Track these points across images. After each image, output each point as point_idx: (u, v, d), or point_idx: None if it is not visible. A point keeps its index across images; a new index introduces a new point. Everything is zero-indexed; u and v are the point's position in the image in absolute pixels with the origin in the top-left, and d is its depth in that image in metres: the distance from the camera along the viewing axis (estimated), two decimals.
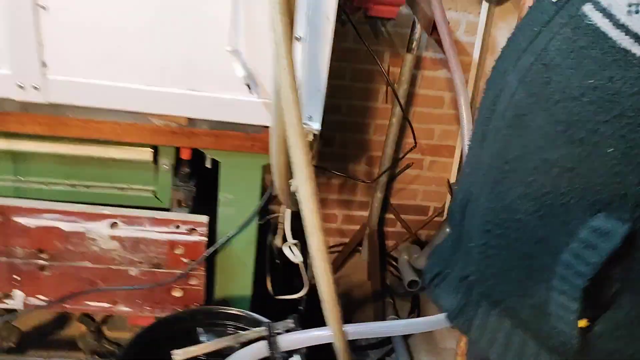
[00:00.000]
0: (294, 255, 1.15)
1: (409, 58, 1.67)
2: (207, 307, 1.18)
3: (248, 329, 1.10)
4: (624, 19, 0.49)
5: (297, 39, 0.91)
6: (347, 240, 2.15)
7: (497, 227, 0.62)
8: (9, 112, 1.03)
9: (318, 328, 1.06)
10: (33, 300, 1.22)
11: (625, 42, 0.49)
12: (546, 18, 0.57)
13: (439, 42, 1.76)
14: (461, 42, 1.90)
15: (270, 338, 1.03)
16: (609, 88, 0.49)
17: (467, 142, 1.48)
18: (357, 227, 2.14)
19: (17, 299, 1.21)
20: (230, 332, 1.12)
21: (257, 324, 1.11)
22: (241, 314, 1.14)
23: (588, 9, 0.51)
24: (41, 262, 1.17)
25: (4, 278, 1.18)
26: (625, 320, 0.56)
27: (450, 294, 0.76)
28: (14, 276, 1.18)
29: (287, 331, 1.07)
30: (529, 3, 1.42)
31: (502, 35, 1.85)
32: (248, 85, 0.96)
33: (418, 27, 1.59)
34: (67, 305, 1.23)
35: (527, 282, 0.60)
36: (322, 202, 2.05)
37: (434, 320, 1.10)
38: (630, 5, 0.48)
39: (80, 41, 0.93)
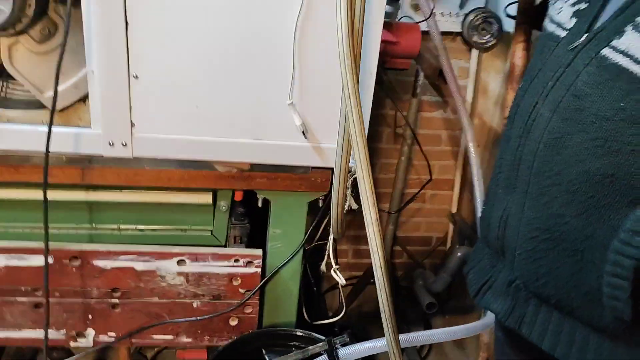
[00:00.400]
0: (340, 278, 1.30)
1: (414, 102, 1.87)
2: (270, 329, 1.31)
3: (306, 347, 1.24)
4: None
5: None
6: (359, 273, 2.31)
7: (544, 233, 0.80)
8: (93, 166, 1.18)
9: (370, 340, 1.21)
10: (103, 337, 1.33)
11: None
12: (566, 61, 0.78)
13: (437, 88, 1.99)
14: None
15: (332, 351, 1.17)
16: (636, 108, 0.69)
17: (476, 170, 1.68)
18: (367, 260, 2.29)
19: (88, 337, 1.33)
20: (292, 351, 1.25)
21: (314, 341, 1.25)
22: (302, 333, 1.28)
23: (608, 52, 0.72)
24: (113, 300, 1.30)
25: (80, 318, 1.30)
26: None
27: (498, 299, 0.92)
28: (88, 315, 1.30)
29: (344, 345, 1.22)
30: (519, 51, 1.65)
31: (490, 77, 2.08)
32: (303, 133, 1.13)
33: (421, 74, 1.80)
34: (134, 340, 1.35)
35: (578, 274, 0.77)
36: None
37: (472, 327, 1.26)
38: None
39: (164, 103, 1.09)
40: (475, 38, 1.94)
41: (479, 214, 1.69)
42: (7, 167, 1.17)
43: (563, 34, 0.82)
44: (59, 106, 1.15)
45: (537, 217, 0.81)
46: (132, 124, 1.10)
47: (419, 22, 1.49)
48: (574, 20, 0.82)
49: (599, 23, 0.78)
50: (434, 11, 1.48)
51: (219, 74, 1.09)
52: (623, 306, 0.71)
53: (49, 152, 1.08)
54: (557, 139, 0.76)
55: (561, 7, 0.87)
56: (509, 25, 1.90)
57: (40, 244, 1.17)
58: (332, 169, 1.16)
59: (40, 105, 1.18)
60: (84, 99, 1.16)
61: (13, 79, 1.18)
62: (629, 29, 0.71)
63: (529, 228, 0.82)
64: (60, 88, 1.14)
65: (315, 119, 1.15)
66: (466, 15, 1.92)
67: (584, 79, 0.75)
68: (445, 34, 1.89)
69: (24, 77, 1.13)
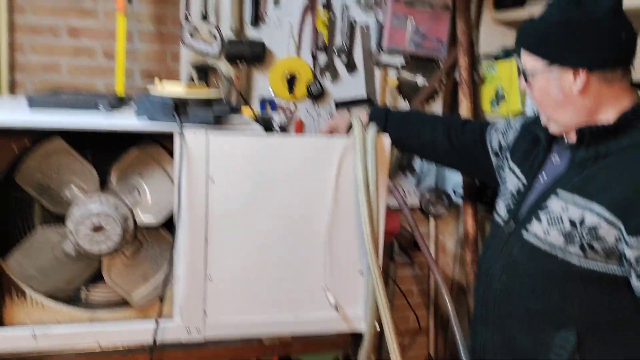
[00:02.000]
0: None
1: (392, 266, 2.29)
2: None
3: None
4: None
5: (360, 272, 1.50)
6: None
7: (507, 352, 1.35)
8: (167, 351, 1.47)
9: None
10: None
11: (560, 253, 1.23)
12: (505, 240, 1.34)
13: (407, 252, 2.43)
14: None
15: None
16: (552, 269, 1.24)
17: (453, 317, 2.05)
18: None
19: None
20: None
21: None
22: None
23: (526, 234, 1.28)
24: None
25: None
26: None
27: None
28: None
29: None
30: (469, 221, 2.13)
31: (446, 239, 2.56)
32: (336, 307, 1.49)
33: (396, 245, 2.24)
34: None
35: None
36: None
37: None
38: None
39: (229, 294, 1.44)
40: (431, 209, 2.44)
41: (461, 351, 2.04)
42: None
43: (501, 222, 1.38)
44: (141, 304, 1.46)
45: (502, 340, 1.31)
46: (205, 314, 1.43)
47: (395, 209, 1.96)
48: (507, 214, 1.37)
49: (520, 214, 1.32)
50: (406, 200, 1.95)
51: (270, 270, 1.46)
52: None
53: (155, 344, 1.37)
54: (506, 289, 1.30)
55: (500, 206, 1.42)
56: (456, 197, 2.42)
57: None
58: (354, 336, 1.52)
59: (122, 304, 1.49)
60: (160, 297, 1.48)
61: (94, 286, 1.49)
62: (533, 218, 1.25)
63: (497, 348, 1.32)
64: (144, 291, 1.47)
65: (343, 293, 1.52)
66: (422, 193, 2.44)
67: (516, 253, 1.30)
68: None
69: (118, 285, 1.45)
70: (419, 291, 2.63)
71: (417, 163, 2.40)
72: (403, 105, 2.32)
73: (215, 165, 1.37)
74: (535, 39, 1.21)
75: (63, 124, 1.29)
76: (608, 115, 1.20)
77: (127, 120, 1.36)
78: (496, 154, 1.53)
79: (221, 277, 1.43)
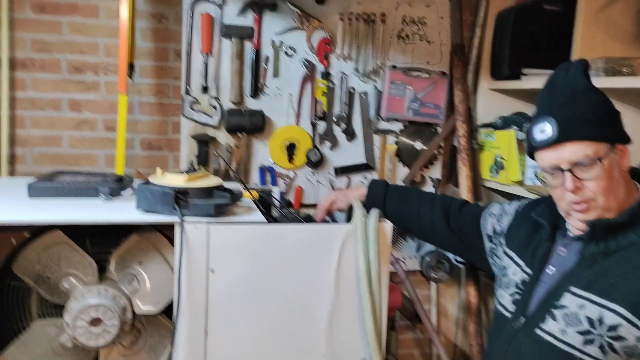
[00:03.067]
0: None
1: (393, 334, 2.26)
2: None
3: None
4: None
5: None
6: None
7: None
8: None
9: None
10: None
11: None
12: (513, 335, 1.29)
13: (410, 319, 2.40)
14: None
15: None
16: None
17: None
18: None
19: None
20: None
21: None
22: None
23: (540, 332, 1.23)
24: None
25: None
26: None
27: None
28: None
29: None
30: (472, 291, 2.10)
31: (447, 302, 2.53)
32: None
33: (398, 315, 2.22)
34: None
35: None
36: None
37: None
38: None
39: (231, 349, 1.40)
40: (432, 275, 2.41)
41: None
42: None
43: (508, 315, 1.33)
44: None
45: None
46: None
47: (396, 282, 1.94)
48: (514, 307, 1.32)
49: (529, 309, 1.27)
50: (407, 275, 1.93)
51: (269, 343, 1.43)
52: None
53: None
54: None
55: (503, 297, 1.37)
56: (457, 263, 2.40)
57: None
58: None
59: None
60: None
61: None
62: (548, 317, 1.21)
63: None
64: None
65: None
66: (423, 257, 2.42)
67: (527, 349, 1.24)
68: (409, 272, 2.36)
69: None
70: (421, 354, 2.59)
71: None
72: (402, 171, 2.32)
73: (215, 256, 1.36)
74: (588, 125, 1.17)
75: (63, 220, 1.28)
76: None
77: (126, 214, 1.35)
78: (490, 239, 1.52)
79: (221, 334, 1.39)
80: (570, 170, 1.17)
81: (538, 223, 1.34)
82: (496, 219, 1.51)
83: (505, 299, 1.36)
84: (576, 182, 1.17)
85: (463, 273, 2.40)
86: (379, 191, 1.69)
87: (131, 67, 1.98)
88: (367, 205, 1.55)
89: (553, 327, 1.20)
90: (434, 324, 2.18)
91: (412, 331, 2.56)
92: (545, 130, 1.18)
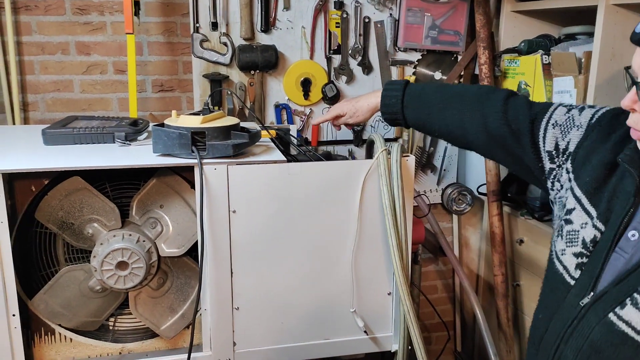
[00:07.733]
0: None
1: (417, 268, 2.26)
2: None
3: None
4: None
5: (388, 293, 1.47)
6: None
7: None
8: None
9: None
10: None
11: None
12: (579, 315, 0.92)
13: (433, 252, 2.40)
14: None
15: None
16: None
17: (481, 319, 2.03)
18: None
19: None
20: None
21: None
22: None
23: (614, 318, 0.87)
24: None
25: None
26: None
27: None
28: None
29: None
30: (495, 222, 2.07)
31: (469, 233, 2.52)
32: (365, 331, 1.48)
33: (420, 249, 2.21)
34: None
35: None
36: None
37: None
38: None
39: (257, 324, 1.42)
40: (454, 207, 2.39)
41: (490, 352, 2.02)
42: None
43: (571, 281, 0.96)
44: (169, 335, 1.46)
45: None
46: (234, 344, 1.42)
47: (420, 217, 1.92)
48: (579, 272, 0.96)
49: (601, 283, 0.91)
50: (430, 209, 1.91)
51: (297, 296, 1.44)
52: None
53: None
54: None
55: (564, 251, 1.00)
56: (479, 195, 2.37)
57: None
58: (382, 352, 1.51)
59: (151, 335, 1.48)
60: (188, 325, 1.47)
61: (122, 314, 1.49)
62: (628, 302, 0.85)
63: None
64: (172, 321, 1.46)
65: (371, 315, 1.50)
66: (444, 190, 2.39)
67: (597, 337, 0.88)
68: (431, 205, 2.34)
69: (145, 318, 1.44)
70: (444, 285, 2.61)
71: (438, 161, 2.35)
72: None
73: (236, 196, 1.34)
74: None
75: (82, 166, 1.26)
76: None
77: (144, 158, 1.32)
78: (551, 157, 1.10)
79: (248, 307, 1.41)
80: None
81: (616, 154, 0.97)
82: (560, 131, 1.09)
83: (567, 257, 0.99)
84: None
85: (485, 204, 2.37)
86: (394, 100, 1.40)
87: (137, 5, 1.90)
88: (384, 117, 1.41)
89: (633, 316, 0.85)
90: (456, 256, 2.17)
91: (434, 263, 2.57)
92: None
